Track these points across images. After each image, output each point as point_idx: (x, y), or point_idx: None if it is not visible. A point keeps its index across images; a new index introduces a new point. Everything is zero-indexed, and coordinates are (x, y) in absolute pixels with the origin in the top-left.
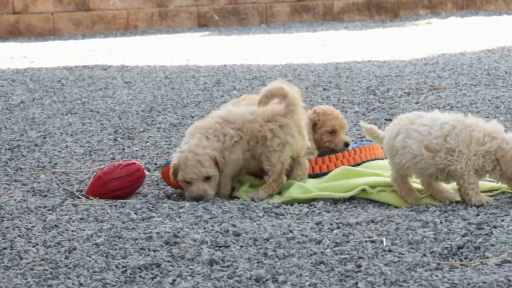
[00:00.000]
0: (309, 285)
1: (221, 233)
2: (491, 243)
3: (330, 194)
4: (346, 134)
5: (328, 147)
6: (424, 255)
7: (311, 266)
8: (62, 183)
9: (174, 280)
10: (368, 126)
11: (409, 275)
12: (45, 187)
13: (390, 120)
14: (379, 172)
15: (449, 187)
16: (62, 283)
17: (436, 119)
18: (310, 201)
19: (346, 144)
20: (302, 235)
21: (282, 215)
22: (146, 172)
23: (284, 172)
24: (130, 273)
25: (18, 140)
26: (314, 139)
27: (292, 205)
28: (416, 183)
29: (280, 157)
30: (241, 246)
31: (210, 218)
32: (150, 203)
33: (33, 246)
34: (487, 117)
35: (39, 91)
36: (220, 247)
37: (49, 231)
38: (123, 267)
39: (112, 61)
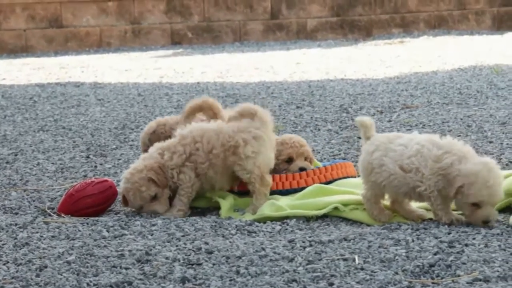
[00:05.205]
0: None
1: (194, 250)
2: (463, 261)
3: (303, 212)
4: (319, 152)
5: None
6: (396, 273)
7: (283, 284)
8: (34, 201)
9: None
10: (362, 120)
11: None
12: (16, 204)
13: None
14: (351, 190)
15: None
16: None
17: (412, 139)
18: (282, 219)
19: (301, 169)
20: (274, 253)
21: (255, 232)
22: (119, 190)
23: (266, 175)
24: None
25: None
26: None
27: (264, 222)
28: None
29: (255, 163)
30: (214, 264)
31: (183, 236)
32: (122, 221)
33: (4, 264)
34: (459, 135)
35: (11, 108)
36: (192, 264)
37: (20, 249)
38: (94, 285)
39: (85, 78)
